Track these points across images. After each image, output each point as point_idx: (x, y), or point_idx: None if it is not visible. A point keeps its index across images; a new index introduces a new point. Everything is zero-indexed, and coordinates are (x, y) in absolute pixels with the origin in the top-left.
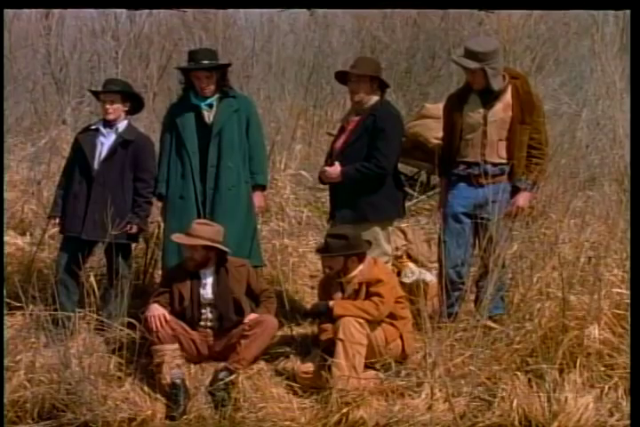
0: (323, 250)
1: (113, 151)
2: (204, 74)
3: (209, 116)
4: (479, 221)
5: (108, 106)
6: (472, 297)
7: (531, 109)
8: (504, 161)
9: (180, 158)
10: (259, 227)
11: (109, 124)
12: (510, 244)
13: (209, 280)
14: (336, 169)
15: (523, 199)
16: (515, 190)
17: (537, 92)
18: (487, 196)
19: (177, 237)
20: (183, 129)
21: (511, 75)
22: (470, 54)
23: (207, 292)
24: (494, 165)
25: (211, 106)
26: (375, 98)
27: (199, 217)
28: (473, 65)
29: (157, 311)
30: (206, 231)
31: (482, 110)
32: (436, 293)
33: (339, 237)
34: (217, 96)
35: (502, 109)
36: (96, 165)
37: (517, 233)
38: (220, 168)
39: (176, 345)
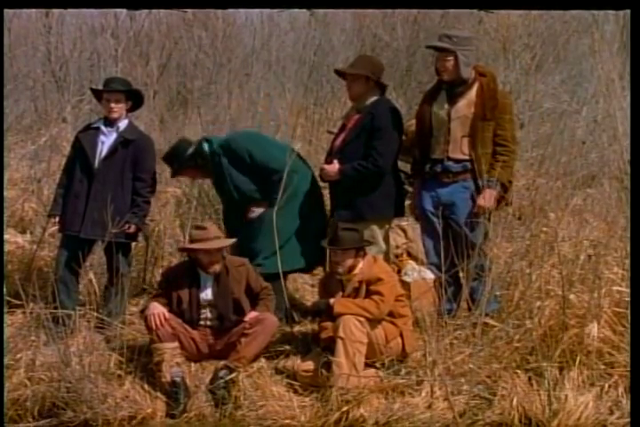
0: (335, 243)
1: (114, 150)
2: None
3: None
4: (448, 220)
5: (112, 104)
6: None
7: (493, 106)
8: (467, 157)
9: None
10: None
11: (110, 122)
12: (488, 242)
13: (209, 281)
14: (334, 167)
15: (485, 198)
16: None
17: (504, 89)
18: (451, 194)
19: (197, 245)
20: None
21: (479, 72)
22: (445, 38)
23: (207, 293)
24: (457, 161)
25: None
26: (374, 96)
27: None
28: (448, 45)
29: (157, 309)
30: (219, 231)
31: (447, 107)
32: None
33: (351, 230)
34: None
35: (466, 106)
36: (96, 164)
37: (517, 231)
38: None
39: (176, 343)
